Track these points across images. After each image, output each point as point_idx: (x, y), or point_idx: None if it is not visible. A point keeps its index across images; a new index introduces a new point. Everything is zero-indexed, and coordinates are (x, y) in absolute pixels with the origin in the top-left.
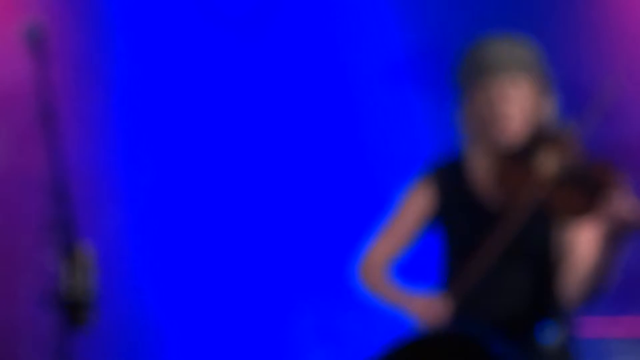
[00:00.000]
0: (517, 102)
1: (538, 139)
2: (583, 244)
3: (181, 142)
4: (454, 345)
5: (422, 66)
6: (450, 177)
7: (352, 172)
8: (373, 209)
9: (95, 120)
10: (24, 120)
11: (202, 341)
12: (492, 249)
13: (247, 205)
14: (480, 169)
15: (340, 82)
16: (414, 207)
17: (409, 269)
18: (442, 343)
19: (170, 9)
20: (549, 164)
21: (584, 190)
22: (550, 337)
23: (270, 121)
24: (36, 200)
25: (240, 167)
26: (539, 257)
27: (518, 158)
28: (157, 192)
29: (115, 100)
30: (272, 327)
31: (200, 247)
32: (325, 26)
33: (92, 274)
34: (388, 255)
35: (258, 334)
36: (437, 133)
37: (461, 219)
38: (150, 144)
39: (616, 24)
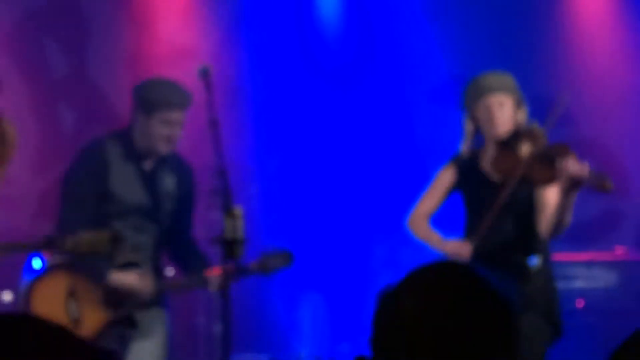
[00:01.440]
0: (505, 111)
1: (518, 133)
2: (551, 199)
3: (295, 143)
4: (453, 269)
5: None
6: (467, 162)
7: (406, 162)
8: (419, 185)
9: (241, 127)
10: (200, 126)
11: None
12: (496, 207)
13: (342, 182)
14: (486, 155)
15: (401, 99)
16: (442, 180)
17: (442, 223)
18: (444, 267)
19: (289, 56)
20: (526, 149)
21: (549, 163)
22: (534, 262)
23: (355, 127)
24: (208, 178)
25: (336, 160)
26: (525, 211)
27: (506, 146)
28: (279, 174)
29: (252, 114)
30: (355, 258)
31: (307, 208)
32: (390, 62)
33: (241, 224)
34: (427, 212)
35: (346, 263)
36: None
37: (474, 188)
38: (275, 143)
39: (571, 54)
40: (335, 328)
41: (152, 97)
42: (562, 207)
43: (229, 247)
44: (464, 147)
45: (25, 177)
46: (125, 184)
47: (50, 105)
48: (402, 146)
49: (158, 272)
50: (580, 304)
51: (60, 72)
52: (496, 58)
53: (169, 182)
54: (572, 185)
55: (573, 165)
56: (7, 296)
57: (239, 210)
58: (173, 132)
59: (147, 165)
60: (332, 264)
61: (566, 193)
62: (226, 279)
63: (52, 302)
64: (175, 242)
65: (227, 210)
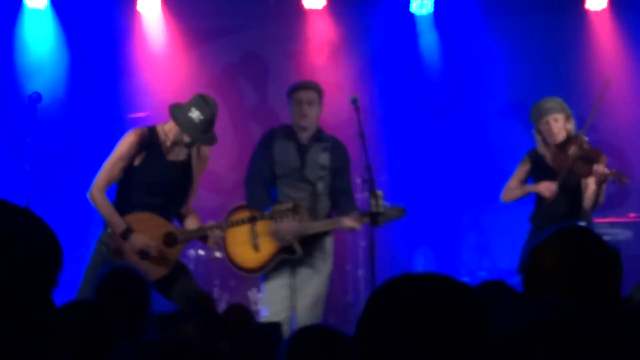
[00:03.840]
0: (559, 124)
1: (568, 139)
2: (590, 186)
3: (412, 147)
4: (579, 231)
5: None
6: (537, 157)
7: (484, 161)
8: (495, 178)
9: (376, 137)
10: (353, 136)
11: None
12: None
13: (444, 174)
14: (547, 153)
15: (480, 117)
16: (523, 167)
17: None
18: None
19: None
20: (573, 150)
21: (588, 163)
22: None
23: (450, 138)
24: (359, 171)
25: (438, 161)
26: (574, 191)
27: (560, 148)
28: (401, 169)
29: (383, 128)
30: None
31: (420, 191)
32: (472, 91)
33: (381, 202)
34: (514, 185)
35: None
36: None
37: (541, 175)
38: (398, 147)
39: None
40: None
41: (288, 89)
42: (596, 192)
43: (374, 217)
44: (539, 148)
45: (224, 172)
46: (284, 153)
47: (243, 124)
48: (481, 150)
49: (313, 216)
50: None
51: (250, 101)
52: (547, 86)
53: (322, 155)
54: (602, 179)
55: (603, 168)
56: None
57: (379, 193)
58: (305, 109)
59: (304, 140)
60: (440, 225)
61: (599, 184)
62: (370, 232)
63: (241, 232)
64: (336, 198)
65: (372, 193)
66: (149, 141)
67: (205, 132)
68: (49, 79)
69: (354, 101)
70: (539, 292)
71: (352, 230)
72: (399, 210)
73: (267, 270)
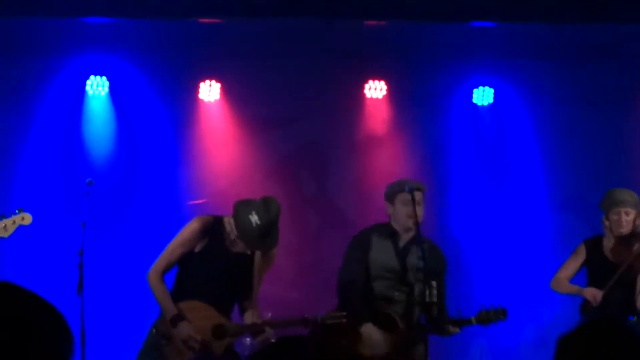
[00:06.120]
0: (629, 218)
1: (634, 234)
2: None
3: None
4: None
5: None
6: (593, 246)
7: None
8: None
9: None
10: None
11: None
12: (614, 282)
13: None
14: (609, 243)
15: (533, 211)
16: (577, 256)
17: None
18: (609, 326)
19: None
20: (637, 246)
21: None
22: (631, 319)
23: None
24: None
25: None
26: (630, 287)
27: (624, 241)
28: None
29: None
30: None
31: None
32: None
33: (435, 291)
34: (567, 276)
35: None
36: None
37: (596, 265)
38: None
39: None
40: None
41: (390, 189)
42: None
43: (428, 307)
44: (604, 236)
45: (284, 261)
46: (382, 254)
47: (302, 214)
48: (538, 242)
49: (409, 322)
50: None
51: (309, 190)
52: (608, 180)
53: (417, 258)
54: None
55: None
56: None
57: (434, 283)
58: (412, 210)
59: (403, 241)
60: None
61: None
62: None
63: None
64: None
65: (427, 283)
66: (213, 230)
67: (263, 237)
68: (107, 164)
69: (410, 191)
70: None
71: (451, 335)
72: (500, 313)
73: None
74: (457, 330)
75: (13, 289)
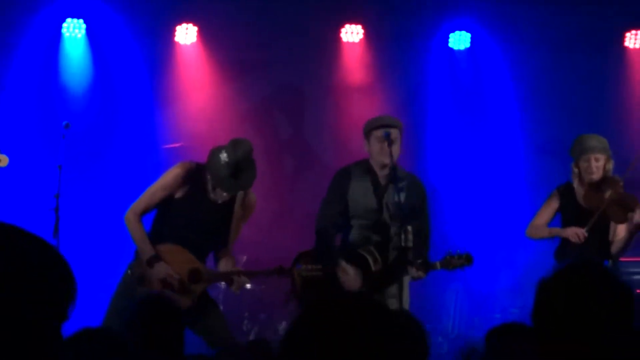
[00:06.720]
0: (599, 164)
1: (605, 180)
2: (621, 231)
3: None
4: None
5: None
6: (566, 193)
7: (517, 205)
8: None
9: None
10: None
11: None
12: (589, 228)
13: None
14: (580, 190)
15: (512, 156)
16: (551, 203)
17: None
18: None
19: None
20: (608, 192)
21: (623, 209)
22: (610, 266)
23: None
24: None
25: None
26: (603, 233)
27: (595, 188)
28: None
29: (418, 161)
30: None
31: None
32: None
33: (411, 236)
34: (541, 223)
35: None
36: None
37: (569, 213)
38: (431, 182)
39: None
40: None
41: (367, 126)
42: (626, 240)
43: (404, 252)
44: (573, 183)
45: (261, 204)
46: (360, 194)
47: (278, 156)
48: (518, 186)
49: (384, 258)
50: (638, 291)
51: (285, 134)
52: (585, 123)
53: (398, 196)
54: (636, 229)
55: (638, 217)
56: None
57: (409, 228)
58: (390, 147)
59: (382, 178)
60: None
61: (630, 233)
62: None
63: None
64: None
65: (403, 228)
66: (195, 177)
67: (234, 175)
68: (84, 106)
69: (387, 136)
70: (548, 327)
71: (417, 279)
72: (465, 259)
73: None
74: (421, 274)
75: (14, 231)
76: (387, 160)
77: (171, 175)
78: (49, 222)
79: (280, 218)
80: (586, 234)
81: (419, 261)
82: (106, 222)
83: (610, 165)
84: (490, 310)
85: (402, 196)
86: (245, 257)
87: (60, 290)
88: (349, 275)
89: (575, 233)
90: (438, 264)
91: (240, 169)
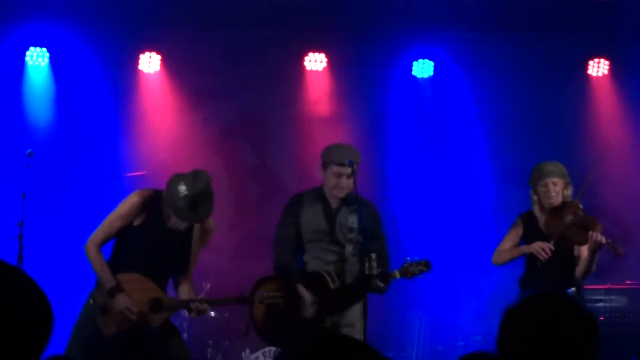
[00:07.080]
0: (557, 188)
1: (564, 205)
2: (583, 252)
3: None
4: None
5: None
6: (529, 220)
7: (481, 232)
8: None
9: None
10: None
11: None
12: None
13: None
14: (541, 217)
15: (475, 183)
16: (515, 230)
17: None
18: (553, 298)
19: None
20: (568, 216)
21: (584, 230)
22: (569, 292)
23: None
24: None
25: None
26: (566, 258)
27: (556, 213)
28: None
29: (381, 188)
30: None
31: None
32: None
33: (374, 263)
34: (505, 248)
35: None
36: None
37: (532, 238)
38: (393, 210)
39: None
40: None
41: (325, 157)
42: (589, 261)
43: (367, 280)
44: (534, 210)
45: (225, 231)
46: (312, 217)
47: (242, 184)
48: (481, 213)
49: (341, 279)
50: (601, 318)
51: (249, 161)
52: (547, 150)
53: (350, 217)
54: (597, 248)
55: (599, 237)
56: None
57: (373, 255)
58: (343, 182)
59: (333, 204)
60: (437, 288)
61: (592, 252)
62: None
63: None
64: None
65: (367, 255)
66: (152, 204)
67: (192, 208)
68: (48, 134)
69: (351, 164)
70: (513, 356)
71: (378, 292)
72: (423, 265)
73: None
74: (382, 285)
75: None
76: (341, 195)
77: (128, 204)
78: (13, 250)
79: (245, 244)
80: (552, 247)
81: (379, 270)
82: (69, 250)
83: (569, 191)
84: (454, 338)
85: (355, 218)
86: (209, 285)
87: (37, 323)
88: (306, 302)
89: (541, 247)
90: (397, 273)
91: (198, 202)
